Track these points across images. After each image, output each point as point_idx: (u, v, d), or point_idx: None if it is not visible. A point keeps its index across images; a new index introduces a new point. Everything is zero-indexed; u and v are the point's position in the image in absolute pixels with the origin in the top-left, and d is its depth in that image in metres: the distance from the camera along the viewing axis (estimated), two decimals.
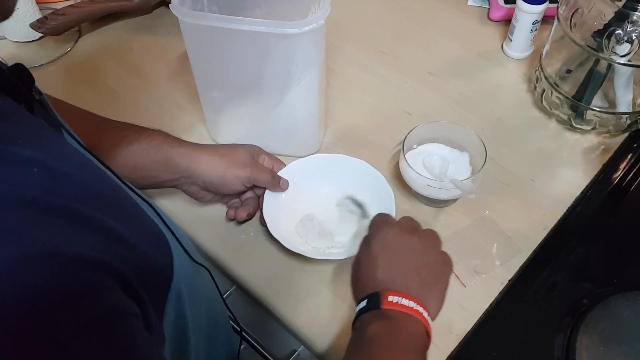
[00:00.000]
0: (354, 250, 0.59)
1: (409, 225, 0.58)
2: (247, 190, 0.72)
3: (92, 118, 0.68)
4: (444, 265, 0.57)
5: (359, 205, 0.72)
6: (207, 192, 0.70)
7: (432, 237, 0.58)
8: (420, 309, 0.51)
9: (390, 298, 0.51)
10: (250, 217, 0.72)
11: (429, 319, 0.52)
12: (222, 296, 0.64)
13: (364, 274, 0.56)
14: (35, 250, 0.29)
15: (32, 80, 0.41)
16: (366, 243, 0.58)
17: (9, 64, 0.41)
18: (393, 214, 0.67)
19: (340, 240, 0.70)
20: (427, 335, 0.51)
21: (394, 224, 0.58)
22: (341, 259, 0.66)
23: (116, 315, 0.31)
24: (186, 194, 0.70)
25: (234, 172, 0.67)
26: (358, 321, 0.52)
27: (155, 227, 0.43)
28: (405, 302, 0.51)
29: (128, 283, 0.34)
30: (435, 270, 0.56)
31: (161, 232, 0.44)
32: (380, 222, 0.59)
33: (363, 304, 0.52)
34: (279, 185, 0.71)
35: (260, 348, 0.82)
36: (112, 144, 0.63)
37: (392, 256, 0.55)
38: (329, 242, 0.70)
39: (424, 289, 0.53)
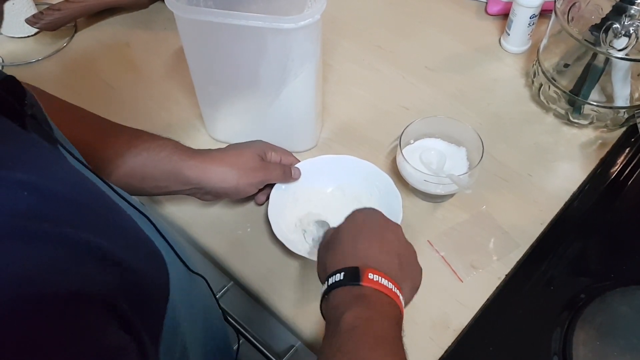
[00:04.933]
0: None
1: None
2: None
3: (101, 122, 0.67)
4: (420, 269, 0.55)
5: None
6: (222, 198, 0.71)
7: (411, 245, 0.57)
8: (398, 292, 0.49)
9: (371, 275, 0.49)
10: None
11: (403, 303, 0.50)
12: (218, 303, 0.64)
13: (344, 242, 0.53)
14: (26, 291, 0.28)
15: (24, 93, 0.40)
16: (352, 215, 0.57)
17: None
18: (400, 217, 0.67)
19: None
20: (401, 319, 0.49)
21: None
22: None
23: (114, 356, 0.30)
24: (201, 200, 0.70)
25: (247, 180, 0.66)
26: (332, 298, 0.49)
27: (151, 245, 0.42)
28: (384, 282, 0.49)
29: (123, 315, 0.33)
30: (413, 264, 0.55)
31: (157, 250, 0.43)
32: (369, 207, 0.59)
33: (339, 277, 0.50)
34: (291, 177, 0.72)
35: (258, 344, 0.82)
36: (120, 152, 0.63)
37: (376, 233, 0.54)
38: None
39: (402, 273, 0.52)
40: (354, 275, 0.49)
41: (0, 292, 0.27)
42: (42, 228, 0.31)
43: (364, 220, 0.55)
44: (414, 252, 0.56)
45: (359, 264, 0.50)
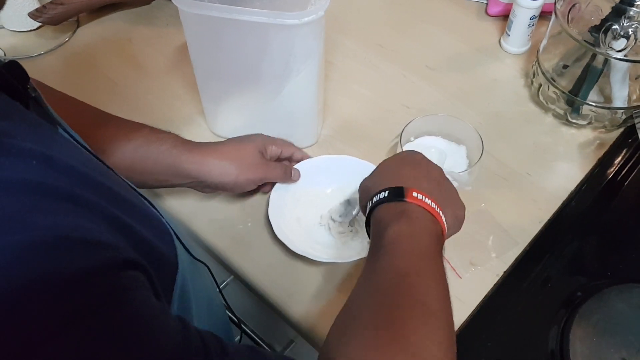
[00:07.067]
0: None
1: None
2: None
3: (101, 115, 0.67)
4: (463, 205, 0.56)
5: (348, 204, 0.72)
6: (221, 191, 0.72)
7: None
8: (440, 213, 0.51)
9: (415, 194, 0.51)
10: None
11: (445, 224, 0.52)
12: (221, 292, 0.64)
13: (387, 170, 0.56)
14: (40, 235, 0.29)
15: (27, 77, 0.41)
16: (395, 154, 0.60)
17: (7, 54, 0.40)
18: None
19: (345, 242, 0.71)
20: (442, 237, 0.51)
21: None
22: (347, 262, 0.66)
23: (125, 290, 0.31)
24: (200, 192, 0.71)
25: (246, 176, 0.67)
26: (376, 213, 0.52)
27: (159, 220, 0.43)
28: (427, 201, 0.51)
29: (136, 262, 0.34)
30: (455, 198, 0.56)
31: (165, 225, 0.44)
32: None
33: (383, 194, 0.52)
34: (290, 178, 0.72)
35: (257, 339, 0.82)
36: (120, 145, 0.63)
37: (419, 164, 0.56)
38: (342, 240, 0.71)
39: (445, 201, 0.53)
40: (398, 193, 0.51)
41: (13, 237, 0.28)
42: (56, 185, 0.32)
43: (407, 154, 0.58)
44: (456, 190, 0.57)
45: (402, 185, 0.52)
